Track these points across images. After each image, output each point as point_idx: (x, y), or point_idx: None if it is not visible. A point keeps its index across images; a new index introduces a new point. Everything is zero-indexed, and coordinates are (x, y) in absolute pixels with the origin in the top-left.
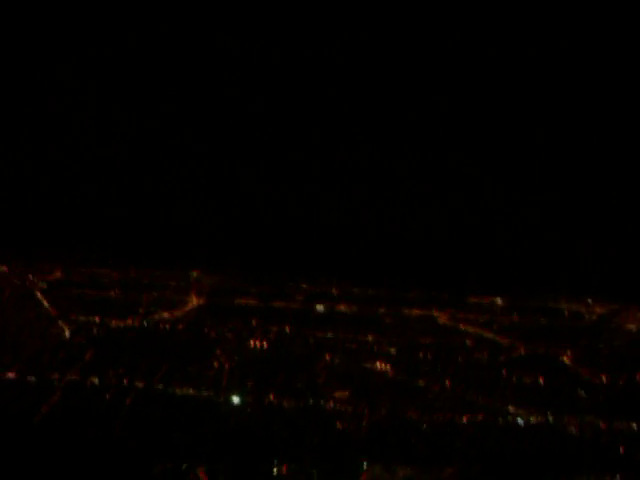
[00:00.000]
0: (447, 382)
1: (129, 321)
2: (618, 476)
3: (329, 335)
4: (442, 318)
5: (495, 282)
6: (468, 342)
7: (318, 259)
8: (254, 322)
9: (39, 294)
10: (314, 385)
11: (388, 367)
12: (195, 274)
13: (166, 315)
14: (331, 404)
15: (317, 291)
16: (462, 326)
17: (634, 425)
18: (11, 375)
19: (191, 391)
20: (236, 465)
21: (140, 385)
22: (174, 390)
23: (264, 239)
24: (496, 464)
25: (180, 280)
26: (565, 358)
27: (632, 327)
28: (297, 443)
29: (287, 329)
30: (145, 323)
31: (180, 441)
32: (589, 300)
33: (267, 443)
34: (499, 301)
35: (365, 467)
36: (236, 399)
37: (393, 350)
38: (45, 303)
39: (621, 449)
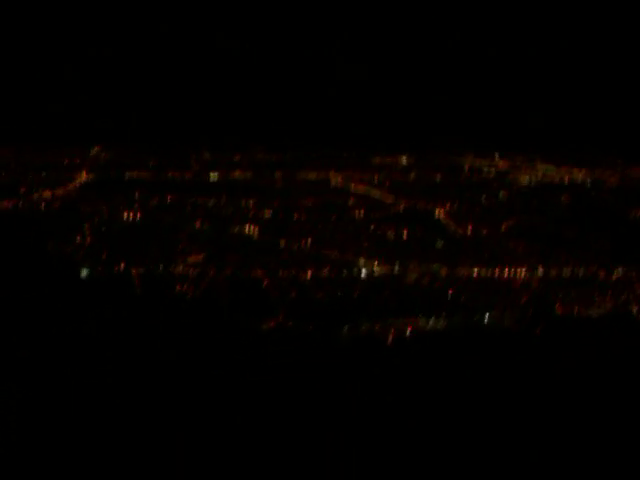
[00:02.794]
0: (309, 241)
1: (5, 203)
2: (443, 318)
3: (210, 203)
4: (335, 179)
5: (402, 141)
6: (350, 201)
7: (223, 125)
8: (137, 194)
9: None
10: (170, 251)
11: (255, 230)
12: (95, 150)
13: (46, 194)
14: (179, 269)
15: (217, 159)
16: (353, 186)
17: (474, 272)
18: None
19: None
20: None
21: None
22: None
23: (169, 109)
24: (322, 313)
25: (75, 157)
26: (440, 212)
27: (524, 179)
28: (133, 307)
29: (168, 198)
30: (20, 204)
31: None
32: (496, 155)
33: (109, 310)
34: (403, 160)
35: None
36: (84, 272)
37: (267, 213)
38: None
39: (449, 293)
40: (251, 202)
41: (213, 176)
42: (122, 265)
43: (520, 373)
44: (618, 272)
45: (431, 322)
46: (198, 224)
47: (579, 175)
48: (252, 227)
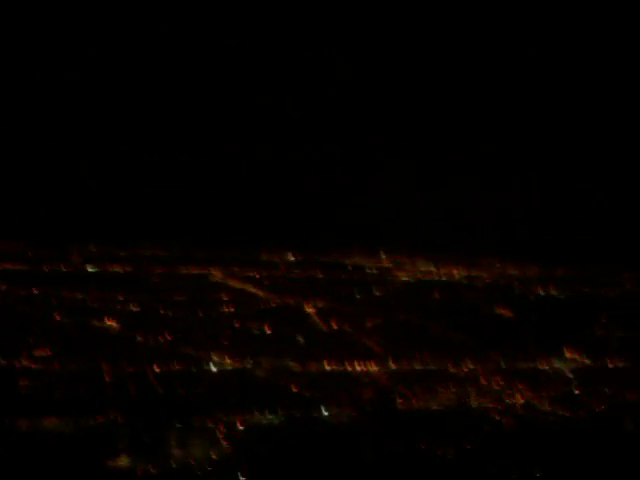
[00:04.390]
0: (167, 336)
1: None
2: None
3: (78, 296)
4: (217, 276)
5: (291, 238)
6: (223, 296)
7: (105, 222)
8: (3, 286)
9: None
10: (19, 344)
11: (114, 324)
12: None
13: None
14: (23, 362)
15: (99, 253)
16: (230, 282)
17: (325, 367)
18: None
19: None
20: None
21: None
22: None
23: (59, 202)
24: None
25: None
26: (310, 309)
27: (405, 278)
28: None
29: (35, 291)
30: None
31: None
32: (382, 255)
33: None
34: (290, 256)
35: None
36: None
37: (134, 307)
38: None
39: (293, 388)
40: (120, 296)
41: (92, 269)
42: None
43: (351, 467)
44: (467, 366)
45: (266, 417)
46: (58, 317)
47: (456, 273)
48: (113, 321)
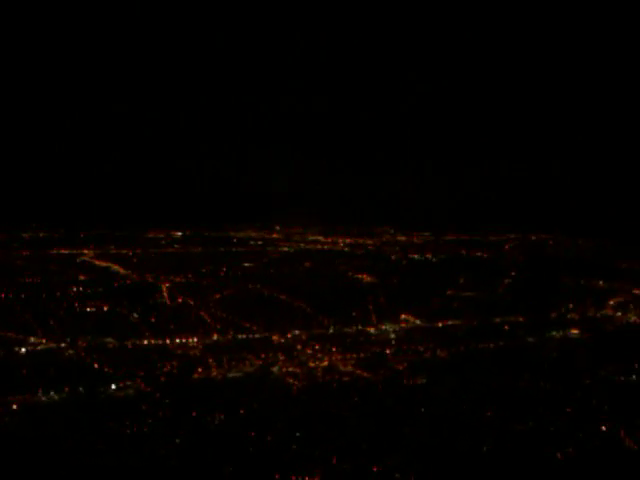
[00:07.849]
0: (28, 315)
1: None
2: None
3: None
4: (87, 255)
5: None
6: (80, 276)
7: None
8: None
9: None
10: None
11: None
12: None
13: None
14: None
15: None
16: (97, 261)
17: (144, 342)
18: None
19: None
20: None
21: None
22: None
23: None
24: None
25: None
26: (165, 284)
27: (285, 248)
28: None
29: None
30: None
31: None
32: (276, 227)
33: None
34: (178, 233)
35: None
36: None
37: None
38: None
39: (95, 365)
40: None
41: None
42: None
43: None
44: (292, 333)
45: (49, 395)
46: None
47: (341, 241)
48: None
